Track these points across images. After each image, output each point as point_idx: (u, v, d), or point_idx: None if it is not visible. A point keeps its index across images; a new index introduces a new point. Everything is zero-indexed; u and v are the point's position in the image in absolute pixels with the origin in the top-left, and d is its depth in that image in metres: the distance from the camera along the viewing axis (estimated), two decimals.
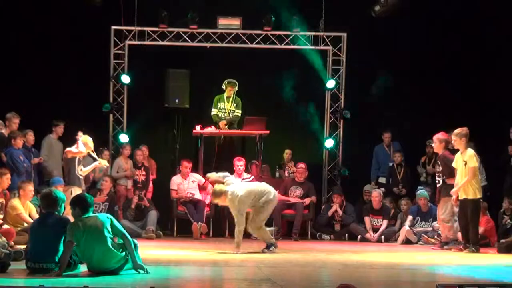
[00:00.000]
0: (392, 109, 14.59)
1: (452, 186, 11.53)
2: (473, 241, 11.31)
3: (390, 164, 14.39)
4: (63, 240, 7.75)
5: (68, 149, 11.66)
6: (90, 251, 7.65)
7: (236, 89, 14.03)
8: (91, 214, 7.84)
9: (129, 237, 7.82)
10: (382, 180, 14.49)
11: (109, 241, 7.66)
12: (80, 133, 13.28)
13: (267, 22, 14.59)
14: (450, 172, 11.63)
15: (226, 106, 14.08)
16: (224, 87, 14.05)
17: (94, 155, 11.85)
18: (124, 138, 14.37)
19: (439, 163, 11.88)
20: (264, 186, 10.66)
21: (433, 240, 12.34)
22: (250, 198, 10.37)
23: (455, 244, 11.77)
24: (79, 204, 7.88)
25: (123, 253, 7.74)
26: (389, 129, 14.64)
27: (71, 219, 7.97)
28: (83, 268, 7.92)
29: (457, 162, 11.44)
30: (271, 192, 10.57)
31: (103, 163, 12.00)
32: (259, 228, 10.53)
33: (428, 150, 14.23)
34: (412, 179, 14.37)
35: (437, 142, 11.94)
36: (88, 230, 7.64)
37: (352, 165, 14.85)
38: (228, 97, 14.07)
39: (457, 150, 11.49)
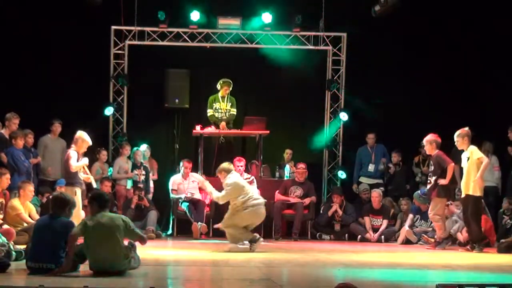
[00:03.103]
0: (390, 108, 14.59)
1: (443, 187, 11.56)
2: (477, 239, 11.30)
3: (371, 165, 14.41)
4: (65, 241, 7.75)
5: (71, 163, 11.01)
6: (99, 250, 7.61)
7: (231, 88, 14.02)
8: (107, 212, 7.84)
9: (144, 236, 7.99)
10: (365, 180, 14.46)
11: (120, 245, 7.65)
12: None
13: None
14: (442, 172, 11.65)
15: (221, 106, 14.07)
16: (219, 87, 14.04)
17: (87, 170, 11.52)
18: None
19: (431, 162, 11.93)
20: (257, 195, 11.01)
21: (433, 240, 12.34)
22: (236, 193, 10.63)
23: (447, 242, 11.77)
24: (97, 200, 7.88)
25: (128, 258, 7.74)
26: (374, 131, 14.60)
27: (76, 223, 7.99)
28: (83, 268, 7.92)
29: (462, 161, 11.51)
30: (260, 203, 10.74)
31: (91, 179, 11.66)
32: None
33: (423, 151, 14.24)
34: (410, 179, 14.39)
35: (427, 145, 11.98)
36: (100, 229, 7.63)
37: (352, 165, 14.85)
38: (222, 97, 14.06)
39: (462, 151, 11.54)
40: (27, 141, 12.56)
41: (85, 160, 11.22)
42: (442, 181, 11.63)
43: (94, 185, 11.89)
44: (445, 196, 11.79)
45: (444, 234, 11.86)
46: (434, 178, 11.78)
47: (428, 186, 12.03)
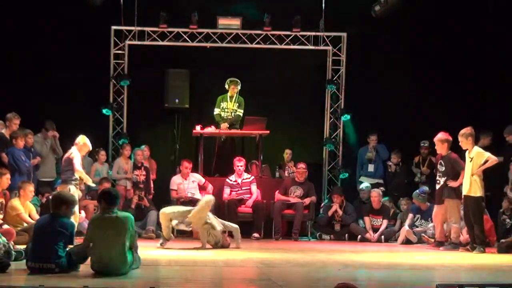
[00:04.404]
0: (390, 109, 14.59)
1: (454, 189, 11.53)
2: (479, 240, 11.28)
3: (370, 166, 14.43)
4: (64, 241, 7.77)
5: (76, 166, 10.97)
6: (105, 251, 7.58)
7: (239, 87, 14.00)
8: (117, 211, 7.80)
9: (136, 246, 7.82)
10: (365, 179, 14.48)
11: (125, 250, 7.61)
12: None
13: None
14: (455, 175, 11.60)
15: (228, 106, 14.06)
16: (226, 86, 14.03)
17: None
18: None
19: (443, 163, 11.75)
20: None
21: (433, 240, 12.33)
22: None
23: (453, 247, 11.72)
24: (105, 197, 7.86)
25: (130, 263, 7.71)
26: (376, 132, 14.60)
27: (75, 222, 7.98)
28: (83, 268, 7.92)
29: (466, 160, 11.46)
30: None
31: (89, 182, 11.62)
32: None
33: (423, 151, 14.25)
34: (409, 179, 14.40)
35: (439, 144, 11.79)
36: (109, 230, 7.57)
37: (352, 165, 14.86)
38: (231, 97, 14.04)
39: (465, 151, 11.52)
40: (27, 141, 12.54)
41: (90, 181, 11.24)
42: (452, 184, 11.56)
43: (92, 184, 11.92)
44: (457, 197, 11.62)
45: (457, 239, 11.76)
46: (444, 179, 11.72)
47: (437, 186, 11.92)
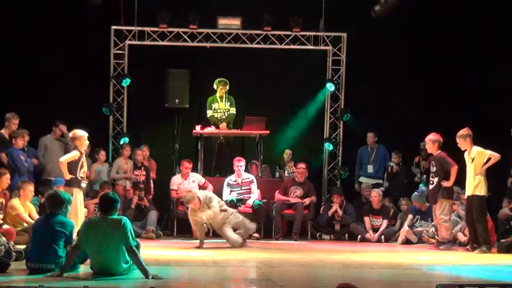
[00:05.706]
0: (390, 109, 14.60)
1: (446, 188, 11.55)
2: (483, 239, 11.27)
3: (369, 167, 14.45)
4: (64, 240, 7.75)
5: (62, 157, 10.98)
6: (103, 252, 7.54)
7: (228, 87, 14.01)
8: (115, 215, 7.73)
9: (136, 251, 7.66)
10: (365, 180, 14.50)
11: (120, 252, 7.58)
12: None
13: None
14: (446, 174, 11.62)
15: (220, 106, 14.05)
16: (215, 86, 14.04)
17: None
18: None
19: (434, 163, 11.86)
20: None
21: (433, 240, 12.33)
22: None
23: (452, 244, 11.74)
24: (100, 203, 7.83)
25: (129, 263, 7.69)
26: (373, 130, 14.61)
27: (73, 221, 7.95)
28: (83, 268, 7.92)
29: (466, 161, 11.48)
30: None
31: (66, 176, 11.41)
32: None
33: (423, 153, 14.26)
34: (409, 179, 14.41)
35: (429, 143, 11.92)
36: (106, 231, 7.54)
37: (352, 165, 14.87)
38: (221, 97, 14.04)
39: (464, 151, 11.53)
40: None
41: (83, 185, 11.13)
42: (446, 183, 11.60)
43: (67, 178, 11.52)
44: (449, 197, 11.75)
45: (450, 236, 11.80)
46: (436, 179, 11.74)
47: (431, 187, 11.97)
